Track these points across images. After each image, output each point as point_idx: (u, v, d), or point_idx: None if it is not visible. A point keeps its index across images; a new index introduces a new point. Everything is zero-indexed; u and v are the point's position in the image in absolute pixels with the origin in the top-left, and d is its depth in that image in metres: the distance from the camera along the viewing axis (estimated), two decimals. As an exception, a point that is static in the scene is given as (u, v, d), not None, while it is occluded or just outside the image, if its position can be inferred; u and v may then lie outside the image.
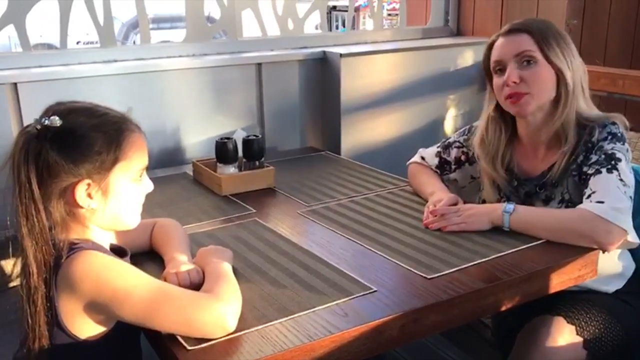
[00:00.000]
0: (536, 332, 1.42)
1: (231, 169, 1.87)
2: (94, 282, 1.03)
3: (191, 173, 2.00)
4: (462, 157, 1.73)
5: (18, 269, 1.06)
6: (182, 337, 1.04)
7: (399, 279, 1.26)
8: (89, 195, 1.07)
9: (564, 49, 1.49)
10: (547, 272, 1.31)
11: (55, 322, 1.04)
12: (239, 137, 1.92)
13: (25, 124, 1.08)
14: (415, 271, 1.28)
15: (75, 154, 1.05)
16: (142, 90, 2.11)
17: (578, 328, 1.41)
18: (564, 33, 1.53)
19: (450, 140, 1.77)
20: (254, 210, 1.67)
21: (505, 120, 1.60)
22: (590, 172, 1.43)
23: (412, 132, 2.59)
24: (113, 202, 1.10)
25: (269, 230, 1.52)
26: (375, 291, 1.20)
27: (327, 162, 2.18)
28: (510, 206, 1.44)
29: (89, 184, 1.07)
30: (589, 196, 1.40)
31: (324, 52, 2.42)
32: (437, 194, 1.61)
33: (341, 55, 2.34)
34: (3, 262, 1.67)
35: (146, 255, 1.33)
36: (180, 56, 2.27)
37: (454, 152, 1.74)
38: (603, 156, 1.43)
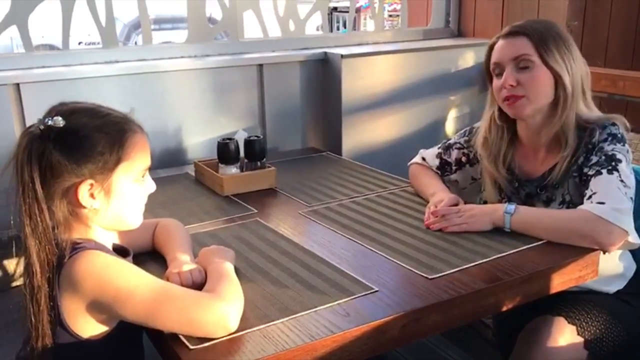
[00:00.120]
0: (537, 332, 1.42)
1: (233, 170, 1.87)
2: (97, 282, 1.03)
3: (193, 173, 2.00)
4: (463, 159, 1.73)
5: (21, 268, 1.06)
6: (185, 336, 1.04)
7: (400, 279, 1.26)
8: (92, 196, 1.08)
9: (563, 52, 1.48)
10: (548, 273, 1.31)
11: (58, 321, 1.04)
12: (241, 137, 1.92)
13: (28, 125, 1.08)
14: (417, 271, 1.28)
15: (78, 154, 1.05)
16: (144, 90, 2.11)
17: (579, 328, 1.41)
18: (566, 35, 1.52)
19: (451, 141, 1.77)
20: (256, 211, 1.67)
21: (506, 121, 1.60)
22: (590, 173, 1.44)
23: (413, 133, 2.60)
24: (116, 202, 1.10)
25: (271, 231, 1.52)
26: (376, 291, 1.20)
27: (328, 162, 2.18)
28: (511, 207, 1.44)
29: (91, 184, 1.07)
30: (590, 197, 1.40)
31: (325, 53, 2.42)
32: (438, 194, 1.61)
33: (342, 56, 2.34)
34: (6, 262, 1.67)
35: (148, 255, 1.34)
36: (181, 57, 2.27)
37: (454, 154, 1.74)
38: (603, 157, 1.43)
